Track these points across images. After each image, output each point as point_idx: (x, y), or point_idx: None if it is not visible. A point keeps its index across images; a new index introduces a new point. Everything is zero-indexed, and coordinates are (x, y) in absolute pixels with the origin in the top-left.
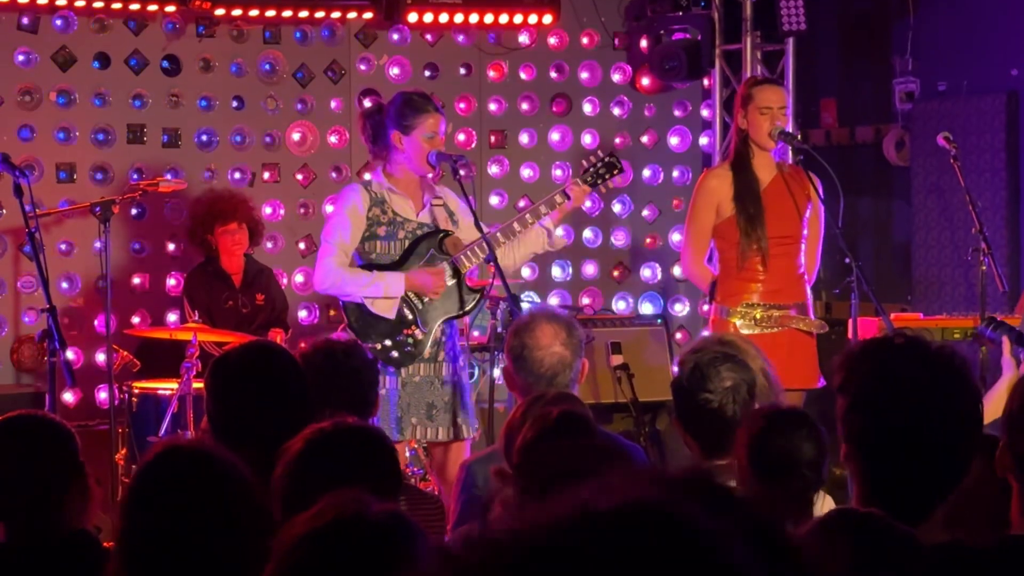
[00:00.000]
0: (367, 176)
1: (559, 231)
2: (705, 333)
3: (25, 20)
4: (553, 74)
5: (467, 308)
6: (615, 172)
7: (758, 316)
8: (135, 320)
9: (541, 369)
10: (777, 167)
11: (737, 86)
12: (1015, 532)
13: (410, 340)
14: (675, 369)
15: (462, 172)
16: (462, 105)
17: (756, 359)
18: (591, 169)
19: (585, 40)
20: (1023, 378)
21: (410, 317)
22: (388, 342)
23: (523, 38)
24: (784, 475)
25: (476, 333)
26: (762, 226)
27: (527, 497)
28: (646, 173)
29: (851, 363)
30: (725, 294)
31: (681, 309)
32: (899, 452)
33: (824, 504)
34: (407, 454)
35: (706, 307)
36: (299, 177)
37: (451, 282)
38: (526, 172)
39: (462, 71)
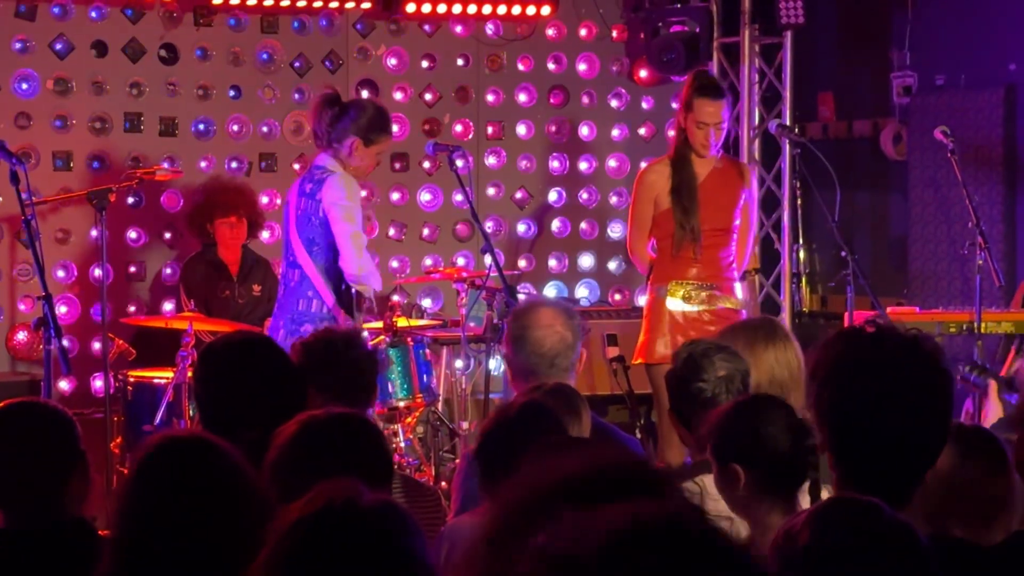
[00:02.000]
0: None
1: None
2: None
3: (22, 8)
4: (551, 65)
5: None
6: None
7: (688, 293)
8: (131, 309)
9: (542, 349)
10: (714, 161)
11: (735, 79)
12: None
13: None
14: None
15: (459, 163)
16: (459, 96)
17: (784, 344)
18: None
19: (583, 31)
20: None
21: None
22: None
23: (521, 29)
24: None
25: (472, 324)
26: (696, 219)
27: (485, 482)
28: (643, 165)
29: (821, 352)
30: (658, 276)
31: None
32: (869, 435)
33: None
34: (402, 444)
35: (641, 299)
36: (296, 167)
37: None
38: (523, 163)
39: (460, 62)
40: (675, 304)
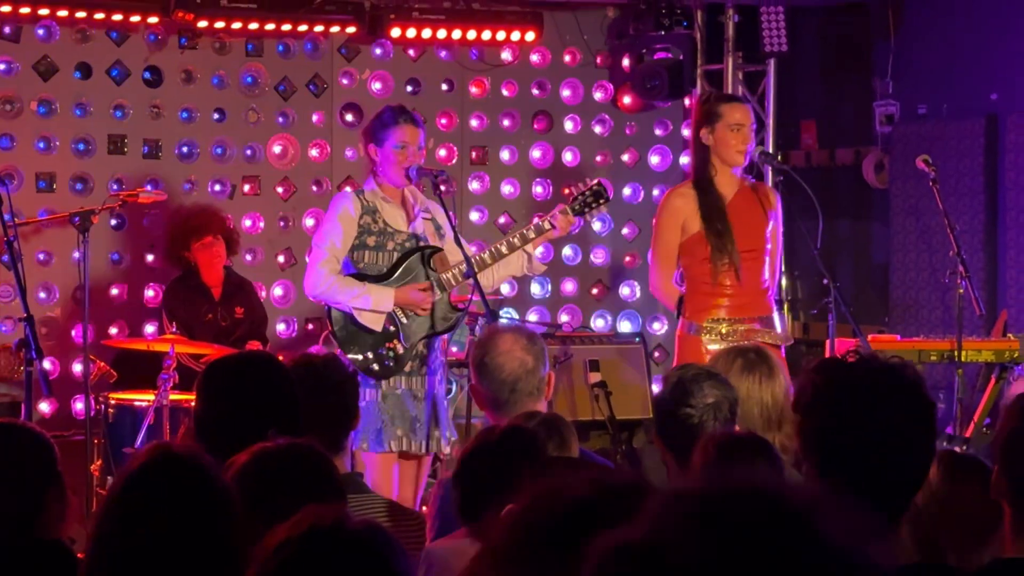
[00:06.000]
0: (347, 190)
1: (539, 251)
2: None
3: (7, 29)
4: (535, 91)
5: (449, 325)
6: (602, 201)
7: (724, 331)
8: (113, 331)
9: (502, 374)
10: (740, 182)
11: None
12: (1007, 555)
13: (391, 354)
14: (654, 387)
15: (443, 187)
16: (443, 121)
17: (779, 376)
18: (579, 197)
19: (567, 58)
20: (1016, 402)
21: (392, 330)
22: (370, 354)
23: (505, 55)
24: None
25: (454, 349)
26: (731, 240)
27: (464, 507)
28: (626, 191)
29: (803, 382)
30: (693, 310)
31: (659, 328)
32: (855, 463)
33: None
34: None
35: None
36: (279, 190)
37: (436, 298)
38: (507, 188)
39: (444, 87)
40: (711, 343)
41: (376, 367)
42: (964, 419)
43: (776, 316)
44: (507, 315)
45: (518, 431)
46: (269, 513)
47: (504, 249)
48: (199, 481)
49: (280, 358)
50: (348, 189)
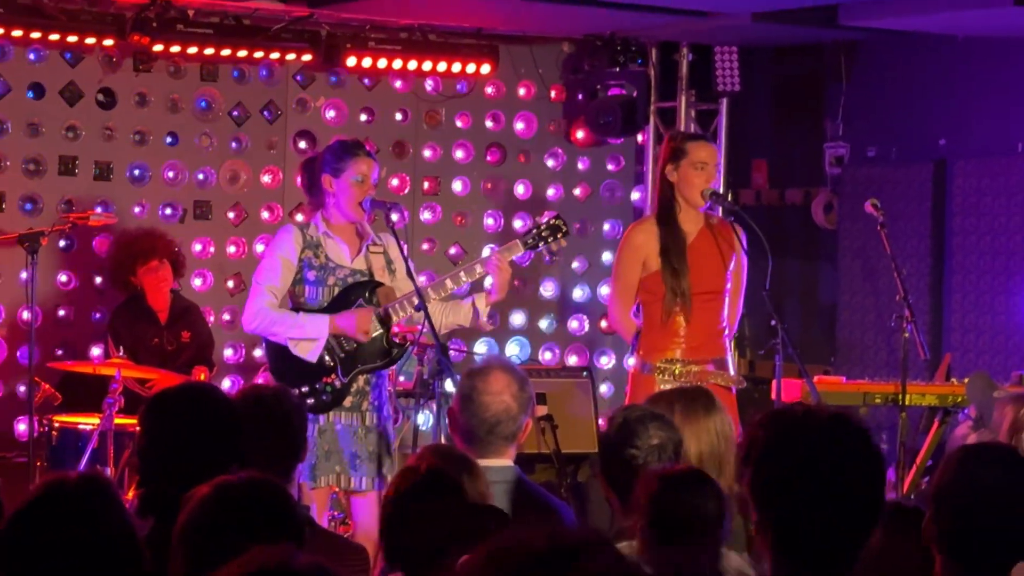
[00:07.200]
0: (299, 217)
1: (487, 310)
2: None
3: None
4: (489, 123)
5: (389, 360)
6: (559, 235)
7: (677, 372)
8: (58, 353)
9: (486, 414)
10: (704, 219)
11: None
12: None
13: (328, 388)
14: (601, 421)
15: (395, 218)
16: (397, 150)
17: (721, 415)
18: (534, 231)
19: (522, 91)
20: (954, 455)
21: (330, 364)
22: (305, 388)
23: (460, 86)
24: (689, 534)
25: (402, 379)
26: (686, 281)
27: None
28: (577, 226)
29: (753, 432)
30: (647, 349)
31: (607, 362)
32: (804, 514)
33: (728, 560)
34: (329, 498)
35: (630, 360)
36: (230, 215)
37: (376, 333)
38: (458, 219)
39: (398, 116)
40: (664, 383)
41: (312, 401)
42: (907, 461)
43: (730, 358)
44: (456, 346)
45: (440, 474)
46: (228, 547)
47: (449, 284)
48: (91, 516)
49: (228, 384)
50: (291, 224)
